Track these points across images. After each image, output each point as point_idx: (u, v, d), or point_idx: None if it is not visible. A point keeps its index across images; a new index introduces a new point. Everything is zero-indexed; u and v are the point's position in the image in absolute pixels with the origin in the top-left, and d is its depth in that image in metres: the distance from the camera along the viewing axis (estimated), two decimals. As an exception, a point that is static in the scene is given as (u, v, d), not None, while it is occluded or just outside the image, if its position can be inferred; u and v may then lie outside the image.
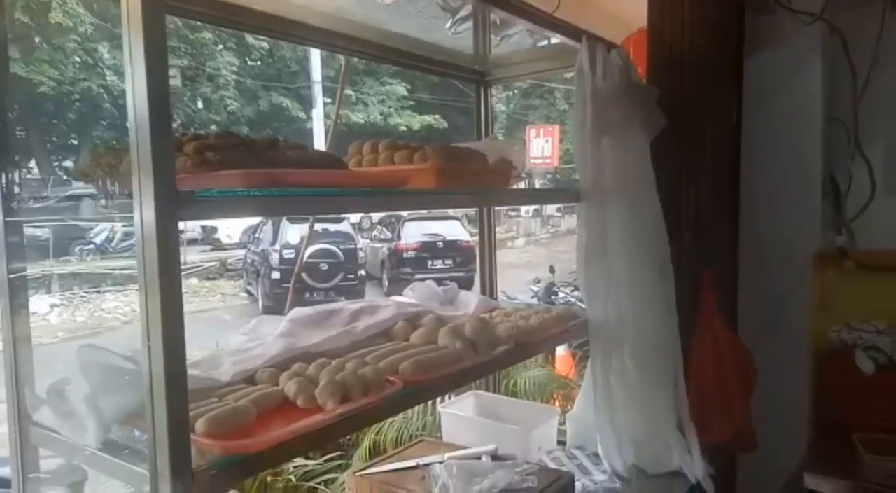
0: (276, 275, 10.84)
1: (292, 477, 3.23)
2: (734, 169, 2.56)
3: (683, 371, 2.14)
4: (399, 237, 13.24)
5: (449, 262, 12.91)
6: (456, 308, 2.19)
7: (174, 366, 0.98)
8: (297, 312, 1.76)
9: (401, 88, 19.87)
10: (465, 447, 2.04)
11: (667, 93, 2.17)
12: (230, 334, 1.74)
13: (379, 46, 2.11)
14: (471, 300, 2.23)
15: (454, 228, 13.65)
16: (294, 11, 1.81)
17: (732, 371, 2.33)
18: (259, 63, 19.45)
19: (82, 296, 11.10)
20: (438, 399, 2.76)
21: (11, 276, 1.33)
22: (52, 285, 10.90)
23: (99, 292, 11.24)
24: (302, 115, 18.52)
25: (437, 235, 13.23)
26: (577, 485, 1.95)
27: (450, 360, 1.55)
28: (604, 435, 2.12)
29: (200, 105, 17.82)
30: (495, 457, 1.97)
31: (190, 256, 14.62)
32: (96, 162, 1.24)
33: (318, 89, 16.28)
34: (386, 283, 12.90)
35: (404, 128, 19.46)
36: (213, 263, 14.74)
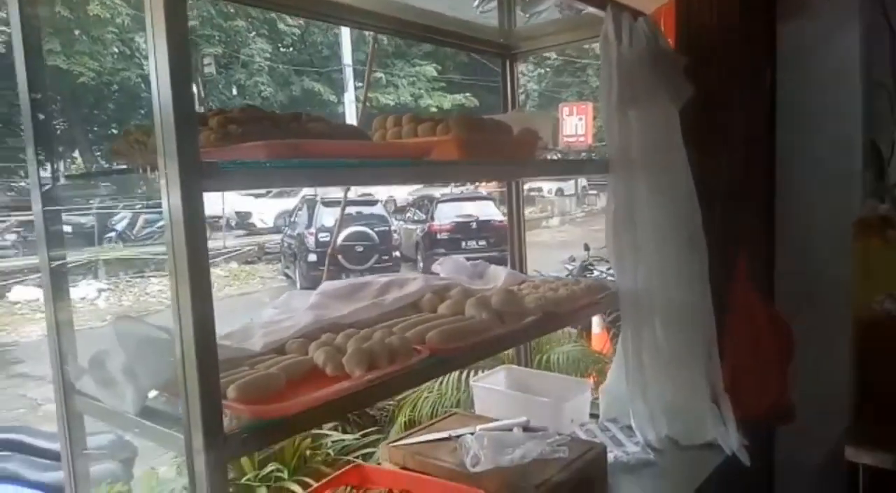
0: (312, 258, 11.01)
1: (330, 451, 3.30)
2: (769, 137, 2.49)
3: (717, 342, 2.11)
4: (432, 219, 13.27)
5: (482, 242, 12.91)
6: (485, 282, 2.18)
7: (204, 332, 1.01)
8: (327, 285, 1.78)
9: (431, 69, 19.79)
10: (496, 420, 2.05)
11: (695, 61, 2.11)
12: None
13: (405, 22, 2.10)
14: (500, 274, 2.22)
15: (487, 208, 13.63)
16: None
17: (769, 342, 2.29)
18: (291, 49, 19.61)
19: (128, 280, 11.44)
20: (471, 374, 2.77)
21: (53, 264, 1.37)
22: (98, 271, 11.25)
23: (143, 276, 11.57)
24: (333, 98, 18.65)
25: (470, 215, 13.24)
26: (610, 456, 1.94)
27: (476, 329, 1.56)
28: (636, 407, 2.11)
29: (235, 92, 18.07)
30: (527, 429, 1.97)
31: (228, 241, 14.93)
32: (126, 140, 1.27)
33: (349, 73, 16.36)
34: (420, 264, 12.95)
35: (435, 108, 19.40)
36: (251, 247, 15.01)
